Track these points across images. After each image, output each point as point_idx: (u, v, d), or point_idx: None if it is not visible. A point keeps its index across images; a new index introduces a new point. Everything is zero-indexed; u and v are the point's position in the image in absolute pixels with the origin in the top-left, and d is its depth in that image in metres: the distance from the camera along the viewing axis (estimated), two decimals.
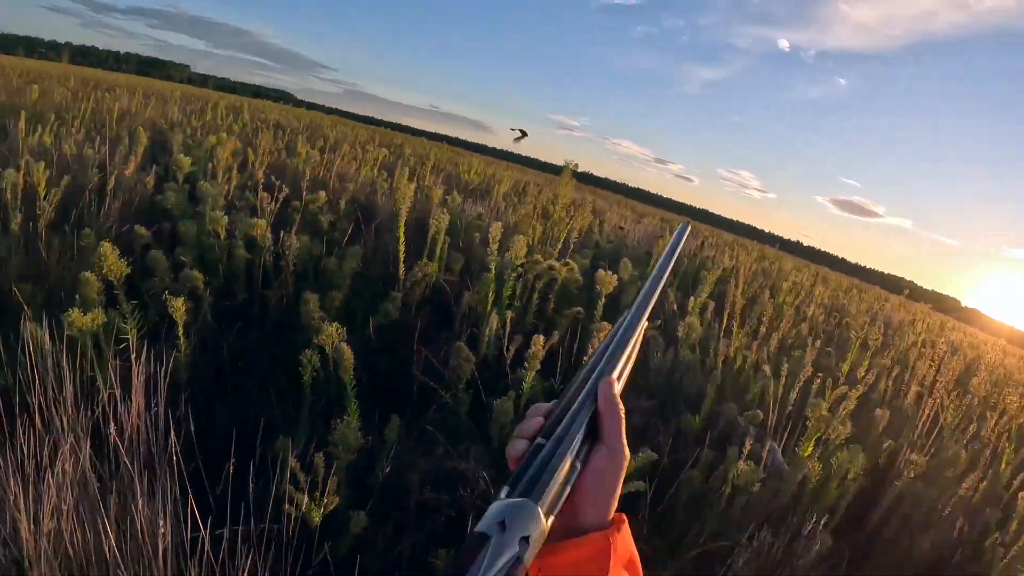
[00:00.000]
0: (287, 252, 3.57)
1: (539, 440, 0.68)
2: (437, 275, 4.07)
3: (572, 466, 0.66)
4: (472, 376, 3.08)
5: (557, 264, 4.10)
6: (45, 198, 3.55)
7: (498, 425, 2.91)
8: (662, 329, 4.50)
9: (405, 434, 2.84)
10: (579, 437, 0.68)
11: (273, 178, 5.08)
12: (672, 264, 0.89)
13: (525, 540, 0.58)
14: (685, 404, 3.90)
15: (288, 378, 3.06)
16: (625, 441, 0.71)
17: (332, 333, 2.50)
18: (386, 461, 2.55)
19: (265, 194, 4.11)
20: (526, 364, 2.96)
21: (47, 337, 2.03)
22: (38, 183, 3.55)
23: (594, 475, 0.69)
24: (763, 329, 5.17)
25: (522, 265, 3.79)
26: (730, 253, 10.85)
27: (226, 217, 3.49)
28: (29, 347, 1.96)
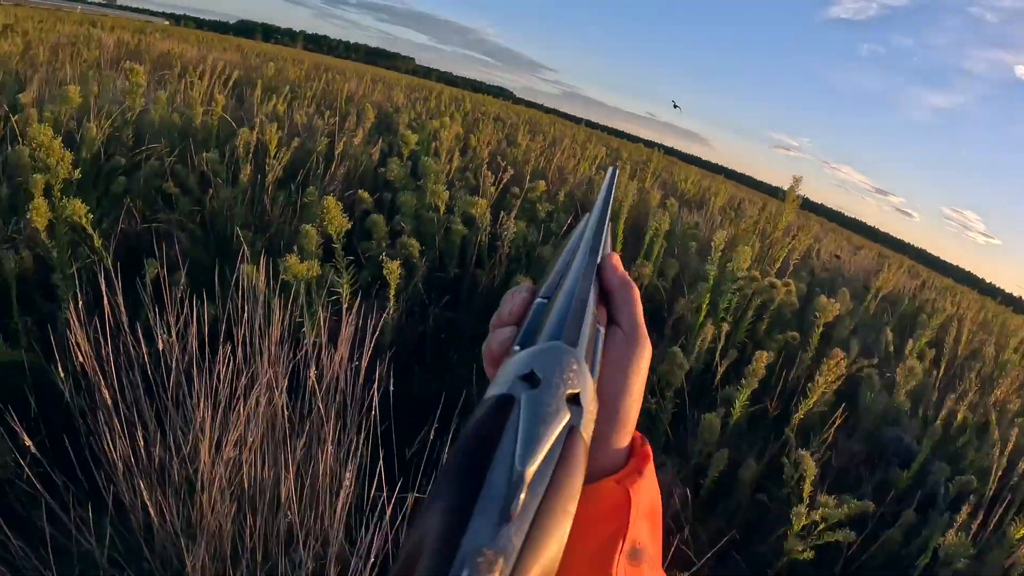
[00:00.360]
0: (504, 234, 3.55)
1: (539, 299, 0.47)
2: (651, 278, 3.93)
3: (595, 327, 0.45)
4: (680, 385, 2.92)
5: (778, 283, 3.86)
6: (275, 156, 3.73)
7: (701, 441, 2.74)
8: (878, 368, 4.17)
9: None
10: (592, 296, 0.47)
11: (499, 158, 5.11)
12: (609, 209, 0.65)
13: (576, 401, 0.34)
14: (895, 454, 3.57)
15: (479, 362, 3.02)
16: (645, 328, 0.48)
17: None
18: None
19: (488, 173, 4.11)
20: (743, 381, 2.76)
21: (261, 279, 2.06)
22: (269, 141, 3.73)
23: (610, 367, 0.46)
24: (982, 386, 4.70)
25: (742, 279, 3.59)
26: (951, 299, 10.10)
27: (447, 192, 3.51)
28: (243, 284, 1.99)
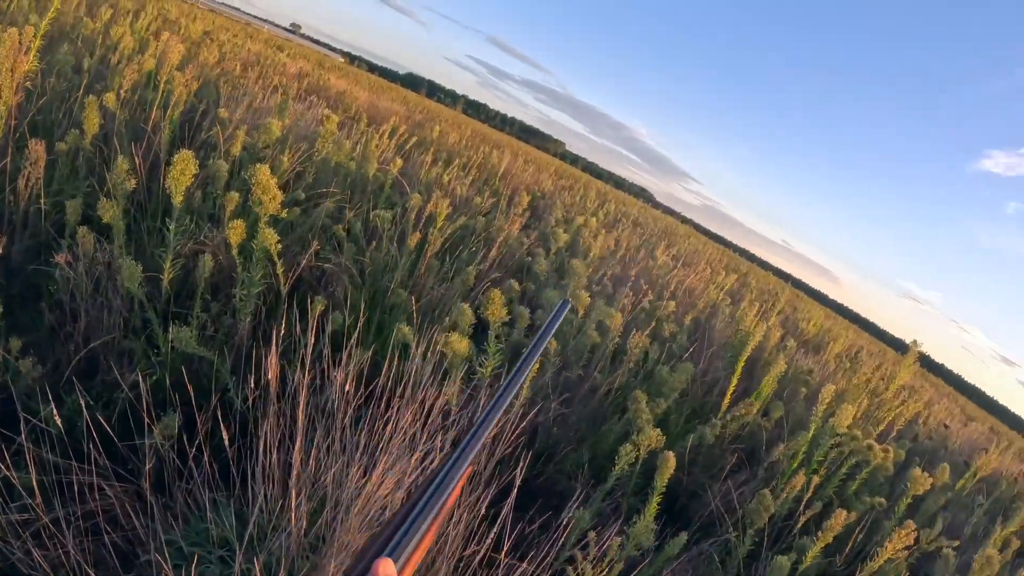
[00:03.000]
0: (629, 347, 3.84)
1: None
2: (755, 417, 4.13)
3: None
4: (762, 526, 3.13)
5: (876, 446, 4.00)
6: (439, 229, 4.09)
7: None
8: (957, 550, 4.22)
9: (682, 552, 2.94)
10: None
11: (642, 281, 5.40)
12: (547, 342, 0.83)
13: None
14: None
15: (589, 459, 3.31)
16: None
17: (653, 438, 2.70)
18: (665, 570, 2.69)
19: (629, 292, 4.39)
20: (818, 534, 2.96)
21: (420, 349, 2.39)
22: (439, 214, 4.08)
23: None
24: None
25: (841, 436, 3.76)
26: None
27: (589, 299, 3.81)
28: (396, 340, 2.33)
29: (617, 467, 2.69)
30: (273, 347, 2.16)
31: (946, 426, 9.22)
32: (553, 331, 0.85)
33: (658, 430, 2.70)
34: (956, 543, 4.03)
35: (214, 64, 7.35)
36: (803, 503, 3.49)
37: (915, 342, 5.62)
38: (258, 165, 2.60)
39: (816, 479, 3.57)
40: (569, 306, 0.96)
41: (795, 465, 3.68)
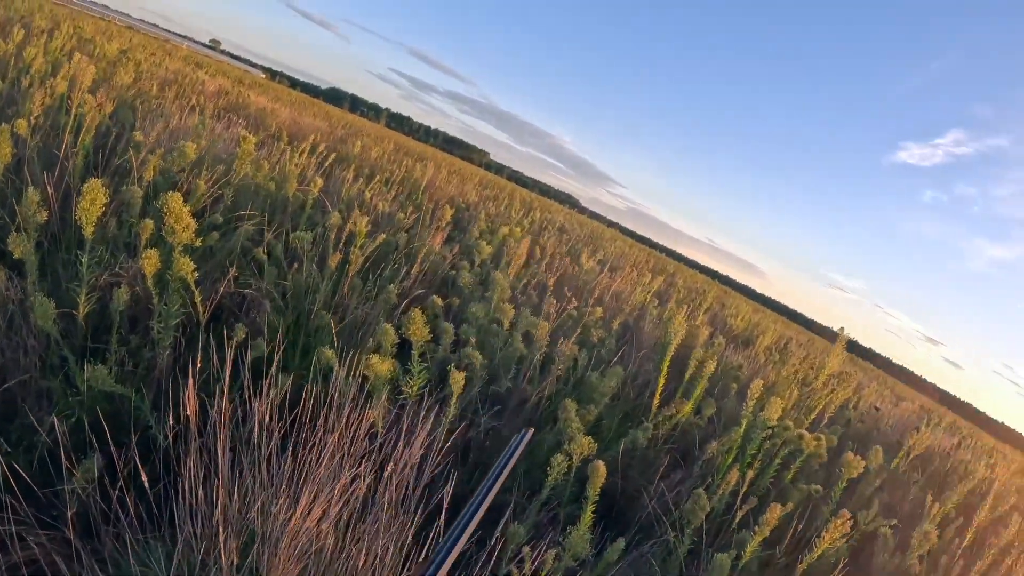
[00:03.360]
0: (557, 356, 3.80)
1: None
2: (687, 416, 4.14)
3: None
4: (699, 524, 3.12)
5: (808, 435, 4.04)
6: (360, 247, 4.02)
7: None
8: (896, 528, 4.28)
9: (621, 557, 2.92)
10: None
11: (566, 289, 5.39)
12: (507, 472, 0.85)
13: None
14: None
15: (524, 470, 3.27)
16: None
17: (584, 446, 2.67)
18: None
19: (554, 300, 4.36)
20: (755, 528, 2.97)
21: (342, 371, 2.34)
22: (359, 233, 4.02)
23: None
24: (1001, 557, 4.72)
25: (772, 428, 3.79)
26: (987, 461, 9.97)
27: (513, 310, 3.78)
28: (321, 363, 2.28)
29: (550, 477, 2.66)
30: (191, 380, 2.07)
31: (877, 408, 9.45)
32: (513, 461, 0.84)
33: (589, 438, 2.67)
34: (894, 522, 4.10)
35: (130, 84, 7.20)
36: (739, 497, 3.50)
37: (842, 329, 5.72)
38: (170, 193, 2.55)
39: (751, 473, 3.60)
40: (528, 437, 0.96)
41: (729, 460, 3.70)
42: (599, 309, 4.85)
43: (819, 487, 3.93)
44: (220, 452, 1.98)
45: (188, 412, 2.07)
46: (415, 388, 2.68)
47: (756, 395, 3.59)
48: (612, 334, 4.92)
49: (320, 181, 4.91)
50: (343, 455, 2.11)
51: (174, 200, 2.53)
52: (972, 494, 6.12)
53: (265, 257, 3.82)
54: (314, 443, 2.08)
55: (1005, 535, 5.00)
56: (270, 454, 2.08)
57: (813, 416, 5.34)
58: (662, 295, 9.73)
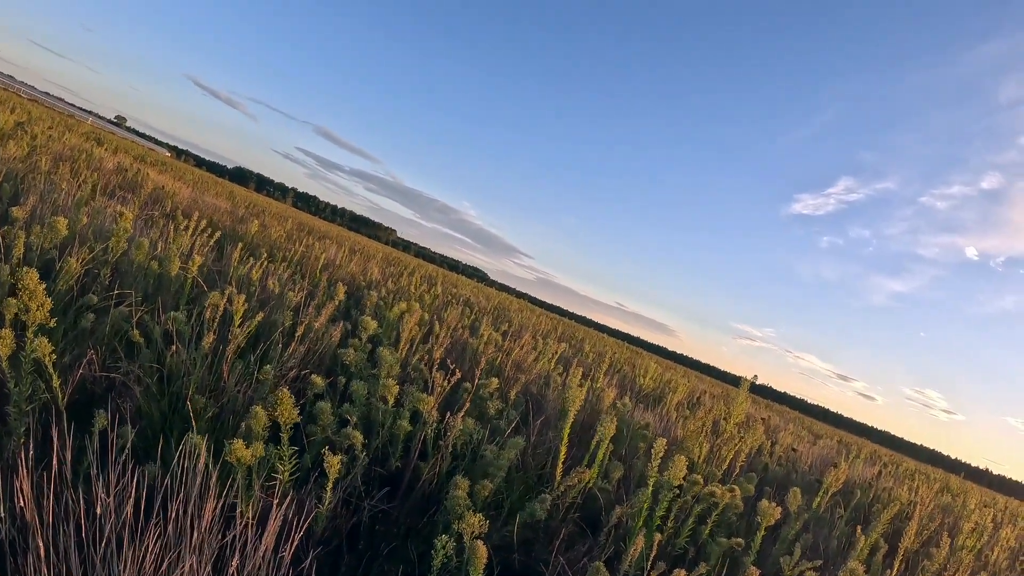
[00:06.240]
0: (449, 431, 3.58)
1: None
2: (593, 481, 3.95)
3: None
4: None
5: (719, 489, 3.90)
6: (240, 326, 3.79)
7: None
8: (822, 570, 4.17)
9: None
10: None
11: (449, 361, 5.20)
12: None
13: None
14: None
15: (420, 553, 3.04)
16: None
17: (474, 524, 2.47)
18: None
19: (439, 374, 4.16)
20: None
21: (203, 457, 2.13)
22: (236, 312, 3.81)
23: None
24: None
25: (680, 486, 3.65)
26: (909, 484, 10.06)
27: (398, 386, 3.58)
28: (183, 451, 2.06)
29: (436, 561, 2.45)
30: (23, 471, 1.82)
31: (794, 449, 9.47)
32: None
33: (480, 515, 2.48)
34: (819, 563, 3.97)
35: (22, 158, 6.89)
36: (649, 562, 3.30)
37: (746, 378, 5.68)
38: (26, 269, 2.45)
39: (659, 536, 3.42)
40: None
41: (639, 524, 3.51)
42: (495, 380, 4.64)
43: (740, 540, 3.78)
44: (40, 545, 1.78)
45: (25, 509, 1.85)
46: (286, 474, 2.51)
47: (660, 453, 3.45)
48: (510, 404, 4.72)
49: (199, 259, 4.73)
50: (205, 538, 1.93)
51: (30, 277, 2.44)
52: (899, 518, 6.09)
53: (141, 339, 3.62)
54: (165, 536, 1.90)
55: (938, 556, 4.92)
56: (115, 550, 1.87)
57: (725, 466, 5.22)
58: (568, 360, 9.60)
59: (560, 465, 3.86)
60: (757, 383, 6.09)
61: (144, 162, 19.59)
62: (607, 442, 3.99)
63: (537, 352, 8.02)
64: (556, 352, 8.62)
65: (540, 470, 4.15)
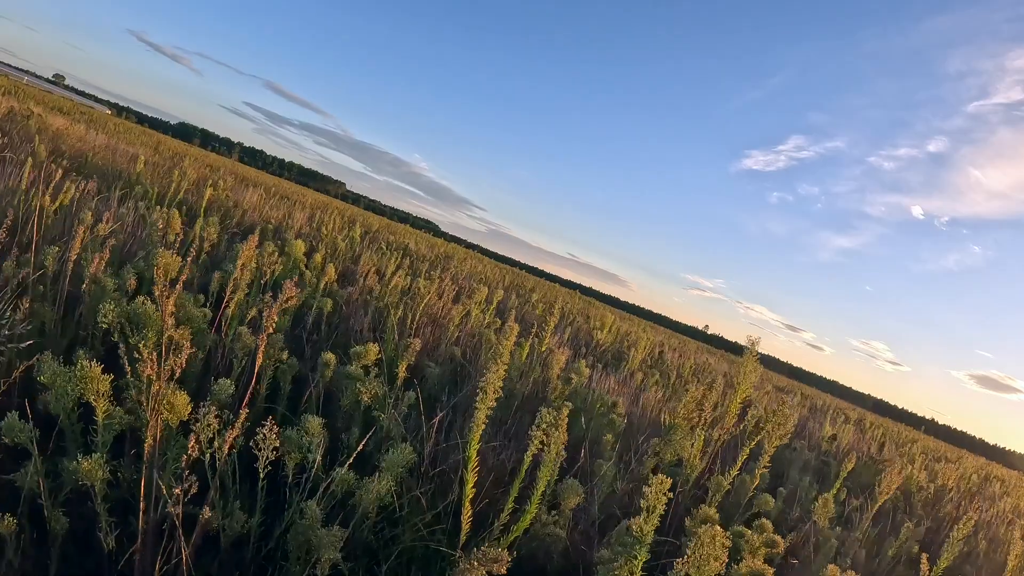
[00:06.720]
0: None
1: None
2: (532, 526, 2.38)
3: None
4: None
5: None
6: None
7: None
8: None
9: None
10: None
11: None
12: None
13: None
14: None
15: None
16: None
17: None
18: None
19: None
20: None
21: None
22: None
23: None
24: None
25: None
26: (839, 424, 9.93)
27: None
28: None
29: None
30: None
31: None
32: None
33: None
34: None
35: None
36: None
37: (706, 327, 4.48)
38: None
39: None
40: None
41: None
42: (374, 347, 3.03)
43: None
44: None
45: None
46: None
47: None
48: (398, 384, 3.11)
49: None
50: None
51: None
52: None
53: None
54: None
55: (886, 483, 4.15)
56: None
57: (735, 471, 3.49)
58: (507, 313, 8.17)
59: (467, 507, 2.11)
60: (709, 332, 4.82)
61: (62, 113, 18.07)
62: (551, 470, 2.31)
63: (473, 302, 6.52)
64: (489, 301, 7.05)
65: (443, 503, 2.46)
